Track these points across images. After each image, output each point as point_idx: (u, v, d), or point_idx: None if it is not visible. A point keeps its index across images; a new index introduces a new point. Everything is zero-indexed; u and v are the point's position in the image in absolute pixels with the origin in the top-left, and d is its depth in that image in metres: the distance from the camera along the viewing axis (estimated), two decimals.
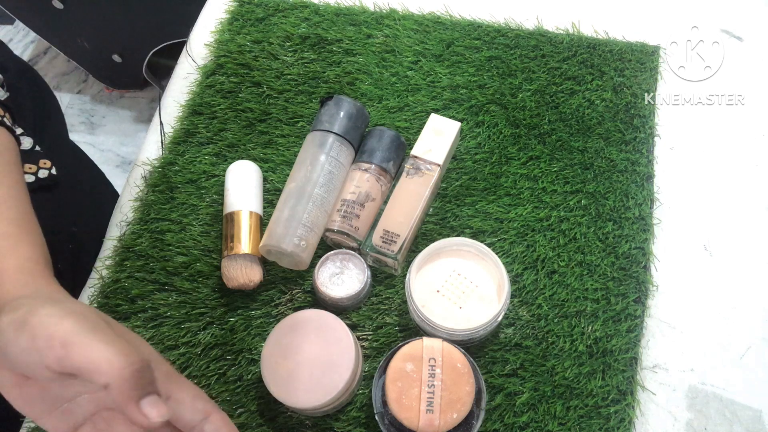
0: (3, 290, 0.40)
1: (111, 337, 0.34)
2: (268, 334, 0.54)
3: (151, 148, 0.70)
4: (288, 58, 0.73)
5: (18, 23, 1.67)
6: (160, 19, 1.34)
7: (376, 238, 0.57)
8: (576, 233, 0.60)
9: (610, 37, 0.72)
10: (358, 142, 0.63)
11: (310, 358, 0.51)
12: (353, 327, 0.58)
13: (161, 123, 0.71)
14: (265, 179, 0.65)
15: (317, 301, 0.59)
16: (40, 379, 0.36)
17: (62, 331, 0.34)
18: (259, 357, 0.52)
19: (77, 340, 0.33)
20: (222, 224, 0.61)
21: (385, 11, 0.75)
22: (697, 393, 0.54)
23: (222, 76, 0.72)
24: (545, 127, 0.66)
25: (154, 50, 1.41)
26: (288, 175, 0.62)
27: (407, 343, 0.49)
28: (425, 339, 0.49)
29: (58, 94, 0.98)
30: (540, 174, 0.64)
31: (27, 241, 0.45)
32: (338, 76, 0.71)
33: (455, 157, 0.65)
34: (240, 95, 0.71)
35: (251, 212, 0.60)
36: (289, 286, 0.60)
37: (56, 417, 0.37)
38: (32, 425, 0.56)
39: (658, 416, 0.54)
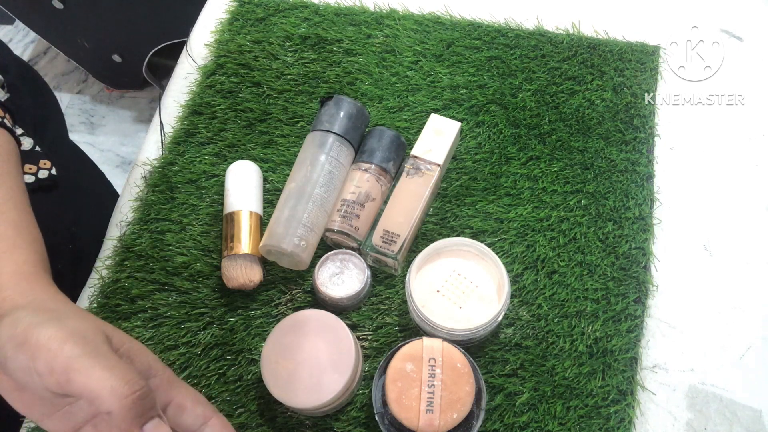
0: (0, 297, 0.40)
1: (112, 361, 0.35)
2: (268, 334, 0.54)
3: (151, 148, 0.70)
4: (288, 58, 0.73)
5: (18, 23, 1.67)
6: (160, 19, 1.34)
7: (376, 238, 0.57)
8: (576, 233, 0.60)
9: (610, 37, 0.72)
10: (358, 142, 0.63)
11: (310, 358, 0.51)
12: (353, 327, 0.58)
13: (161, 123, 0.71)
14: (265, 179, 0.65)
15: (317, 301, 0.59)
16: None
17: (63, 357, 0.34)
18: (259, 357, 0.52)
19: (78, 366, 0.33)
20: (222, 224, 0.61)
21: (385, 11, 0.75)
22: (697, 393, 0.54)
23: (222, 76, 0.72)
24: (545, 127, 0.66)
25: (154, 50, 1.41)
26: (288, 175, 0.62)
27: (407, 343, 0.49)
28: (425, 339, 0.49)
29: (58, 94, 0.98)
30: (540, 174, 0.64)
31: (25, 243, 0.45)
32: (338, 76, 0.71)
33: (455, 157, 0.65)
34: (240, 95, 0.71)
35: (251, 212, 0.60)
36: (289, 286, 0.60)
37: (57, 419, 0.38)
38: (32, 425, 0.56)
39: (658, 416, 0.54)
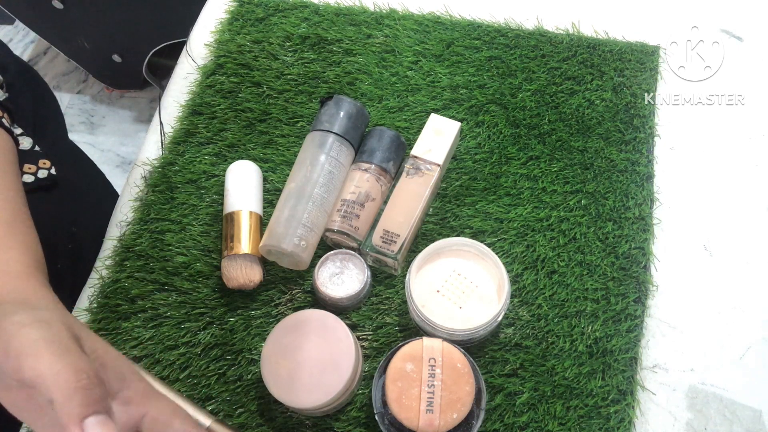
0: None
1: (66, 350, 0.33)
2: (268, 334, 0.54)
3: (151, 148, 0.70)
4: (288, 58, 0.73)
5: (18, 23, 1.67)
6: (160, 19, 1.34)
7: (376, 238, 0.57)
8: (576, 233, 0.60)
9: (610, 37, 0.72)
10: (358, 142, 0.63)
11: (310, 358, 0.51)
12: (353, 327, 0.58)
13: (161, 123, 0.71)
14: (265, 179, 0.65)
15: (317, 301, 0.59)
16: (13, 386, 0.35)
17: (19, 340, 0.33)
18: (259, 357, 0.52)
19: (31, 350, 0.32)
20: (222, 224, 0.61)
21: (385, 11, 0.75)
22: (697, 393, 0.54)
23: (222, 76, 0.72)
24: (545, 127, 0.66)
25: (154, 50, 1.41)
26: (288, 175, 0.62)
27: (407, 343, 0.49)
28: (425, 339, 0.49)
29: (58, 94, 0.98)
30: (540, 174, 0.64)
31: (17, 244, 0.44)
32: (338, 76, 0.71)
33: (455, 157, 0.65)
34: (240, 95, 0.71)
35: (251, 212, 0.60)
36: (289, 286, 0.60)
37: (46, 423, 0.36)
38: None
39: (658, 416, 0.54)
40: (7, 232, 0.45)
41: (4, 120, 0.52)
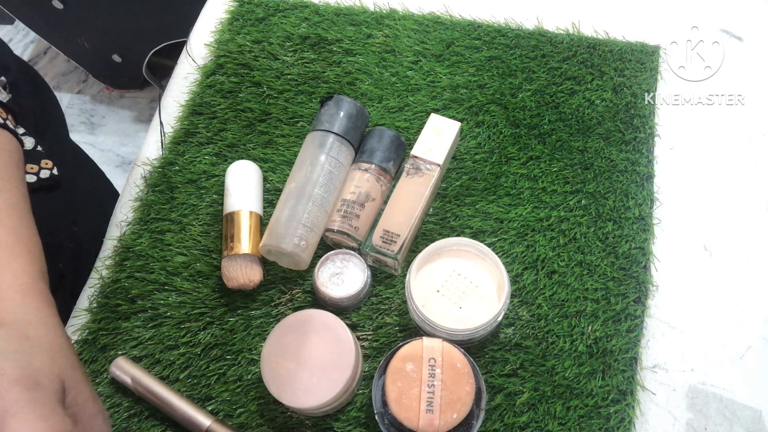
0: None
1: (51, 412, 0.35)
2: (268, 334, 0.54)
3: (151, 148, 0.70)
4: (288, 58, 0.73)
5: (18, 23, 1.67)
6: (160, 19, 1.34)
7: (376, 238, 0.57)
8: (576, 233, 0.60)
9: (610, 37, 0.72)
10: (358, 142, 0.63)
11: (310, 358, 0.51)
12: (353, 327, 0.58)
13: (161, 123, 0.71)
14: (265, 179, 0.65)
15: (317, 301, 0.59)
16: None
17: (8, 398, 0.34)
18: (259, 357, 0.52)
19: (16, 411, 0.34)
20: (222, 224, 0.61)
21: (385, 11, 0.75)
22: (697, 393, 0.54)
23: (222, 76, 0.72)
24: (545, 127, 0.66)
25: (154, 50, 1.41)
26: (288, 175, 0.62)
27: (407, 343, 0.49)
28: (425, 339, 0.49)
29: (58, 94, 0.98)
30: (540, 174, 0.64)
31: (24, 251, 0.44)
32: (338, 76, 0.71)
33: (455, 157, 0.65)
34: (240, 95, 0.71)
35: (251, 212, 0.60)
36: (289, 286, 0.60)
37: None
38: None
39: (658, 416, 0.54)
40: (14, 240, 0.44)
41: (8, 122, 0.52)
